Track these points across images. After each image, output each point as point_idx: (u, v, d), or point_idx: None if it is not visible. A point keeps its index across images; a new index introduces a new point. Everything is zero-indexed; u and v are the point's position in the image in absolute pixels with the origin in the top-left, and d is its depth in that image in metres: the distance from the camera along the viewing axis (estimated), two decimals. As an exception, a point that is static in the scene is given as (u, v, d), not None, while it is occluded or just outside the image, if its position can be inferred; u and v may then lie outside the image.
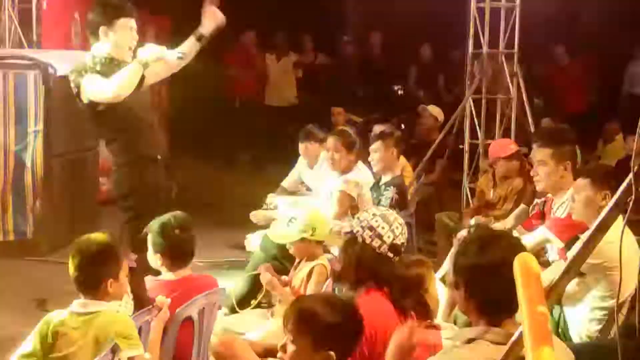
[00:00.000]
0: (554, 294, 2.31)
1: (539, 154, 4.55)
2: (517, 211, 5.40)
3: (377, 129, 7.42)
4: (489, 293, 2.42)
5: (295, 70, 11.41)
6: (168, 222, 3.83)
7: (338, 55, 11.54)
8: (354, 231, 3.26)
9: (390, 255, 3.19)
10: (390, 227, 3.21)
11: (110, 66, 4.55)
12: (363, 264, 3.21)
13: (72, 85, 4.57)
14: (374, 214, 3.26)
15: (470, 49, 7.59)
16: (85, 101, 4.53)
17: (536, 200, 4.95)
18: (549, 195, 4.61)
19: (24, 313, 4.86)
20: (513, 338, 2.26)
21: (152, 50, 4.57)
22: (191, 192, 9.23)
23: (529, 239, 4.17)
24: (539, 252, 4.30)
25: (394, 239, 3.19)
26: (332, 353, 2.65)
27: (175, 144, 9.84)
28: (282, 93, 11.31)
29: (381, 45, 11.50)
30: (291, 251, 4.54)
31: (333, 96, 10.44)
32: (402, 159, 6.82)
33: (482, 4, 7.38)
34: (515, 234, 4.11)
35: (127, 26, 4.60)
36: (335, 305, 2.77)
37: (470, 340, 2.44)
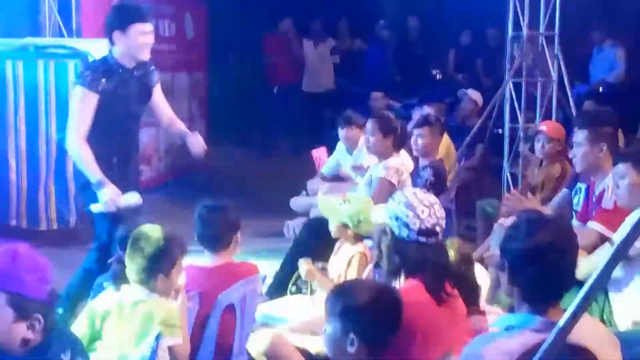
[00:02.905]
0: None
1: (576, 135, 4.54)
2: (558, 197, 5.34)
3: (427, 110, 7.40)
4: (534, 278, 2.38)
5: (332, 56, 11.40)
6: (200, 205, 3.87)
7: (375, 40, 11.48)
8: (385, 222, 3.21)
9: (423, 239, 3.12)
10: (415, 213, 3.10)
11: (115, 75, 4.58)
12: (394, 253, 3.17)
13: (77, 74, 4.71)
14: (398, 202, 3.17)
15: (510, 31, 7.50)
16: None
17: (578, 185, 4.90)
18: (592, 179, 4.57)
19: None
20: (557, 327, 2.20)
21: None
22: (230, 179, 9.29)
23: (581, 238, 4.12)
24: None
25: (420, 224, 3.10)
26: (354, 337, 2.63)
27: (214, 131, 9.90)
28: (319, 79, 11.31)
29: (418, 30, 11.41)
30: (330, 227, 4.53)
31: (371, 81, 10.40)
32: (446, 138, 6.80)
33: (521, -15, 7.27)
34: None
35: (141, 31, 4.57)
36: (370, 289, 2.76)
37: (510, 328, 2.41)
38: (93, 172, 4.52)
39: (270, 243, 6.58)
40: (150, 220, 3.65)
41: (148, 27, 4.59)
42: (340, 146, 6.71)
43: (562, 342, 2.19)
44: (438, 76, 11.07)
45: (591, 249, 4.05)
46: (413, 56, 11.19)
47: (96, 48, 6.94)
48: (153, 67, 4.84)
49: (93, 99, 4.52)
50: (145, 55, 4.64)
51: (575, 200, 4.89)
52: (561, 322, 2.18)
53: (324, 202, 4.85)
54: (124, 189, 4.64)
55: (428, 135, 5.99)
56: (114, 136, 4.67)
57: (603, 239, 4.17)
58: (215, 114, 10.35)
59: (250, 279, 3.81)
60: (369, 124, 5.71)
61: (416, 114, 7.48)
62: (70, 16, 7.92)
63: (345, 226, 4.44)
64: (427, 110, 7.41)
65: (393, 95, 9.89)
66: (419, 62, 11.13)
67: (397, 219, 3.12)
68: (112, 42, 4.61)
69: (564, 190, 5.19)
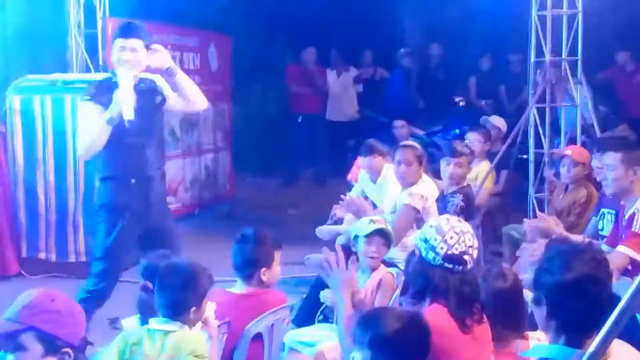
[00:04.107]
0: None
1: (608, 158, 4.52)
2: (590, 225, 5.31)
3: (472, 137, 7.40)
4: (573, 311, 2.35)
5: (355, 85, 11.46)
6: (239, 233, 3.91)
7: (397, 68, 11.53)
8: (414, 244, 3.24)
9: (449, 265, 3.13)
10: (443, 238, 3.12)
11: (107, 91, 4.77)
12: (419, 275, 3.18)
13: (86, 92, 4.87)
14: (430, 226, 3.21)
15: (533, 57, 7.51)
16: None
17: (602, 210, 4.89)
18: (622, 202, 4.55)
19: (95, 331, 4.93)
20: (588, 353, 2.18)
21: (116, 100, 4.72)
22: (254, 208, 9.34)
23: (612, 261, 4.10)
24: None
25: (447, 250, 3.11)
26: None
27: (238, 161, 9.97)
28: (343, 108, 11.36)
29: (440, 57, 11.45)
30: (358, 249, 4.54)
31: (394, 110, 10.43)
32: (487, 164, 6.79)
33: (543, 11, 7.30)
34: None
35: (120, 46, 4.81)
36: (399, 317, 2.76)
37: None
38: (184, 77, 4.88)
39: (295, 272, 6.59)
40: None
41: (129, 42, 4.78)
42: (364, 174, 6.73)
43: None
44: (461, 103, 11.08)
45: (620, 274, 4.03)
46: (435, 83, 11.21)
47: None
48: (158, 83, 4.97)
49: (97, 110, 4.75)
50: (127, 70, 4.77)
51: (600, 226, 4.88)
52: (592, 347, 2.17)
53: (354, 227, 4.80)
54: (146, 209, 4.91)
55: (465, 164, 6.01)
56: (126, 152, 4.86)
57: (633, 264, 4.15)
58: (239, 144, 10.42)
59: (278, 309, 3.82)
60: (404, 154, 5.63)
61: (471, 137, 7.47)
62: (96, 52, 8.05)
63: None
64: (472, 136, 7.42)
65: (416, 122, 9.91)
66: (441, 89, 11.15)
67: (425, 241, 3.15)
68: None
69: (593, 220, 5.17)
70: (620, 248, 4.31)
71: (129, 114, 4.67)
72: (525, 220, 5.06)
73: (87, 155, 5.01)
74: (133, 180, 4.92)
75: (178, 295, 3.27)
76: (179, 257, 3.46)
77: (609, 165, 4.54)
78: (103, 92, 4.76)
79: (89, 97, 4.79)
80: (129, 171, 4.93)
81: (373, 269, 4.48)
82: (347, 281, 3.50)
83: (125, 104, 4.67)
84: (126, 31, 4.83)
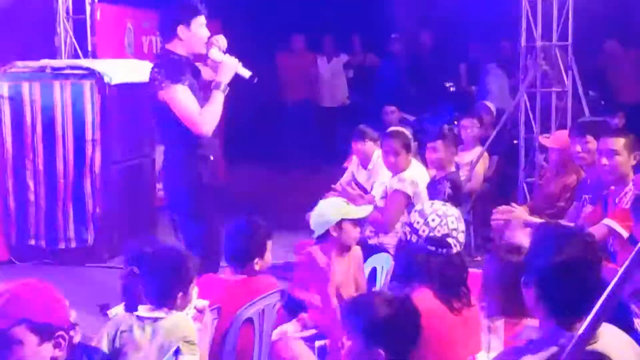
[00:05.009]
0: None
1: (612, 143, 4.51)
2: (572, 209, 5.32)
3: (467, 122, 7.44)
4: (563, 294, 2.36)
5: (346, 70, 11.44)
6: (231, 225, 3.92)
7: (387, 54, 11.51)
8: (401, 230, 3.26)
9: (432, 248, 3.13)
10: (425, 220, 3.15)
11: (184, 71, 4.62)
12: (405, 260, 3.20)
13: (155, 78, 4.61)
14: (415, 210, 3.24)
15: (523, 42, 7.51)
16: (161, 99, 4.59)
17: (584, 196, 4.90)
18: (612, 187, 4.56)
19: (87, 319, 4.93)
20: (576, 335, 2.19)
21: (229, 70, 4.71)
22: (245, 195, 9.32)
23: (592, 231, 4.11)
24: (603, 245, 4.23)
25: (429, 232, 3.13)
26: (381, 352, 2.63)
27: (228, 148, 9.93)
28: (333, 94, 11.36)
29: (431, 43, 11.43)
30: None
31: (384, 95, 10.42)
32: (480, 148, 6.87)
33: (534, -5, 7.29)
34: None
35: (201, 24, 4.70)
36: (389, 302, 2.76)
37: (537, 341, 2.39)
38: (217, 98, 4.68)
39: (287, 259, 6.59)
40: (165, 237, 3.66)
41: (204, 19, 4.72)
42: (355, 160, 6.72)
43: (582, 350, 2.18)
44: (451, 89, 11.08)
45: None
46: (426, 69, 11.20)
47: (111, 68, 7.03)
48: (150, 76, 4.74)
49: (187, 89, 4.60)
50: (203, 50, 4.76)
51: (583, 212, 4.88)
52: (581, 330, 2.17)
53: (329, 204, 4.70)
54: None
55: (441, 148, 5.98)
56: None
57: (615, 238, 4.19)
58: (230, 132, 10.38)
59: (269, 294, 3.82)
60: (390, 143, 5.64)
61: (465, 123, 7.52)
62: (85, 38, 8.01)
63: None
64: (467, 122, 7.45)
65: (406, 108, 9.90)
66: (432, 75, 11.14)
67: (409, 225, 3.17)
68: (171, 38, 4.73)
69: (575, 204, 5.18)
70: (605, 221, 4.32)
71: (247, 72, 4.75)
72: (495, 211, 5.01)
73: (212, 130, 4.74)
74: (212, 158, 4.83)
75: (165, 282, 3.27)
76: (165, 243, 3.44)
77: (612, 151, 4.52)
78: (183, 72, 4.60)
79: (181, 81, 4.55)
80: (211, 148, 4.84)
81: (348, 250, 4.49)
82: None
83: (238, 67, 4.72)
84: (203, 7, 4.74)
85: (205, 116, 4.64)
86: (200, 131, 4.63)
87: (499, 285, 3.06)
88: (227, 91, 4.72)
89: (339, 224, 4.40)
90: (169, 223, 5.25)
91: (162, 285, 3.28)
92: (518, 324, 3.16)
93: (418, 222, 3.16)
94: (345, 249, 4.44)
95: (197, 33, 4.69)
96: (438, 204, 3.27)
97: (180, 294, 3.29)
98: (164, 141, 4.94)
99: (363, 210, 4.68)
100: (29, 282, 2.63)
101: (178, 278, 3.30)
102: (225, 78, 4.71)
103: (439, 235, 3.12)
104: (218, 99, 4.70)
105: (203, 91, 4.74)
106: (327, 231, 4.40)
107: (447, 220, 3.16)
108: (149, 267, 3.32)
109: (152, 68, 4.72)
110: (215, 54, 4.77)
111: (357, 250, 4.53)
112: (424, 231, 3.13)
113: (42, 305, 2.54)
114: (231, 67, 4.73)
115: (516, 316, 3.03)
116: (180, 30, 4.64)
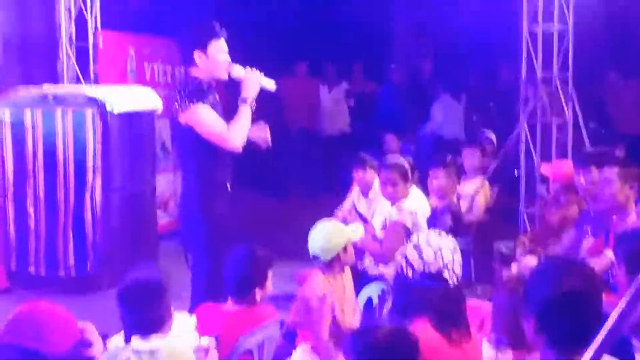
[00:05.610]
0: None
1: (606, 172, 4.53)
2: (567, 238, 5.31)
3: (469, 152, 7.44)
4: (563, 326, 2.36)
5: (347, 99, 11.48)
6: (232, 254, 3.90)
7: (388, 82, 11.55)
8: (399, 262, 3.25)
9: (427, 282, 3.12)
10: (420, 255, 3.15)
11: (206, 92, 4.61)
12: (402, 293, 3.19)
13: (176, 102, 4.57)
14: (410, 242, 3.24)
15: (524, 73, 7.54)
16: (182, 122, 4.55)
17: (585, 226, 4.90)
18: (614, 217, 4.56)
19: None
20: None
21: (253, 84, 4.68)
22: (245, 222, 9.29)
23: (594, 263, 4.10)
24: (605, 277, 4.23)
25: (424, 267, 3.14)
26: None
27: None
28: (335, 122, 11.38)
29: (431, 72, 11.48)
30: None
31: (385, 124, 10.44)
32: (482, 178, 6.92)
33: (534, 27, 7.33)
34: None
35: (220, 48, 4.64)
36: (389, 333, 2.75)
37: None
38: (244, 112, 4.65)
39: (286, 288, 6.56)
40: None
41: (224, 43, 4.68)
42: (355, 188, 6.72)
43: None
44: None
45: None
46: (426, 98, 11.23)
47: (113, 96, 7.05)
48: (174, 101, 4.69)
49: (210, 108, 4.60)
50: (224, 74, 4.72)
51: (584, 243, 4.88)
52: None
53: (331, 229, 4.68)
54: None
55: (443, 177, 6.01)
56: (226, 154, 4.77)
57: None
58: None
59: (268, 324, 3.81)
60: (388, 173, 5.65)
61: (467, 153, 7.52)
62: (87, 64, 8.04)
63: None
64: (469, 151, 7.45)
65: (406, 137, 9.92)
66: (432, 104, 11.16)
67: (405, 258, 3.16)
68: (190, 63, 4.70)
69: (570, 233, 5.17)
70: (607, 252, 4.32)
71: (271, 82, 4.75)
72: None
73: (241, 144, 4.71)
74: (228, 185, 4.80)
75: (150, 311, 3.25)
76: (144, 272, 3.43)
77: (606, 180, 4.54)
78: (204, 95, 4.58)
79: (202, 101, 4.53)
80: (227, 176, 4.81)
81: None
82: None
83: (262, 79, 4.70)
84: (221, 31, 4.67)
85: (233, 131, 4.60)
86: (230, 146, 4.61)
87: (507, 316, 3.06)
88: (254, 106, 4.69)
89: (344, 247, 4.43)
90: (170, 250, 5.24)
91: (151, 314, 3.26)
92: (526, 356, 3.16)
93: (413, 256, 3.15)
94: (342, 270, 4.50)
95: (215, 58, 4.63)
96: (433, 235, 3.26)
97: (169, 321, 3.28)
98: (181, 168, 4.92)
99: (359, 230, 4.76)
100: (32, 306, 2.59)
101: (160, 306, 3.27)
102: (250, 92, 4.67)
103: (434, 269, 3.12)
104: (245, 114, 4.65)
105: (227, 113, 4.70)
106: (335, 255, 4.42)
107: (441, 253, 3.16)
108: (128, 297, 3.30)
109: (174, 92, 4.70)
110: (237, 71, 4.72)
111: (347, 269, 4.59)
112: (419, 266, 3.13)
113: (35, 330, 2.51)
114: (255, 80, 4.69)
115: (524, 348, 3.02)
116: (198, 55, 4.60)
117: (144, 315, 3.26)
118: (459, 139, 9.69)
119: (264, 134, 4.99)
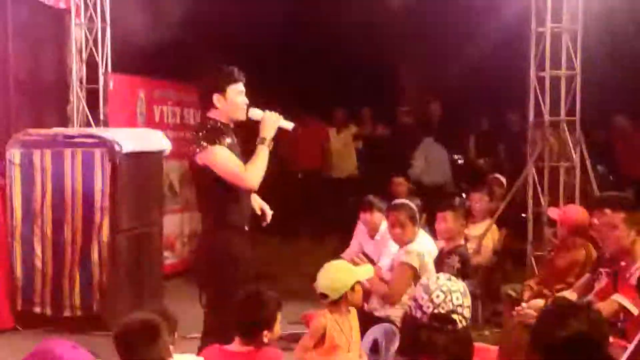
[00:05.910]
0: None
1: (610, 217, 4.51)
2: (582, 281, 5.28)
3: (477, 196, 7.46)
4: None
5: (355, 141, 11.52)
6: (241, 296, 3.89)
7: (396, 125, 11.60)
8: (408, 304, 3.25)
9: (436, 324, 3.11)
10: (430, 297, 3.15)
11: (223, 134, 4.64)
12: (410, 335, 3.18)
13: (195, 143, 4.62)
14: (420, 284, 3.24)
15: (532, 117, 7.57)
16: (200, 162, 4.59)
17: (600, 269, 4.86)
18: (623, 263, 4.54)
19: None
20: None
21: (271, 125, 4.70)
22: (252, 263, 9.27)
23: (602, 307, 4.07)
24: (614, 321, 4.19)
25: (434, 309, 3.13)
26: None
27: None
28: (342, 164, 11.41)
29: (440, 115, 11.51)
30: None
31: (393, 166, 10.46)
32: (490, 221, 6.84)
33: (542, 73, 7.37)
34: None
35: (238, 91, 4.70)
36: None
37: None
38: (262, 152, 4.65)
39: (293, 329, 6.53)
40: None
41: (242, 87, 4.73)
42: (362, 230, 6.72)
43: None
44: (459, 161, 11.11)
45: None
46: (435, 141, 11.24)
47: (122, 137, 7.10)
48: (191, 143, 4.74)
49: (226, 150, 4.62)
50: (242, 116, 4.77)
51: (596, 286, 4.84)
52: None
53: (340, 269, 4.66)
54: None
55: (451, 219, 6.00)
56: (244, 196, 4.79)
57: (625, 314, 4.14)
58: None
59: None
60: (395, 215, 5.67)
61: (475, 197, 7.57)
62: (97, 107, 8.11)
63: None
64: (477, 196, 7.47)
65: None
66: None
67: (414, 300, 3.16)
68: (208, 106, 4.75)
69: (586, 276, 5.14)
70: (615, 296, 4.29)
71: (290, 124, 4.78)
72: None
73: (257, 184, 4.73)
74: (246, 228, 4.81)
75: (146, 352, 3.23)
76: (136, 314, 3.41)
77: (610, 224, 4.53)
78: (222, 136, 4.61)
79: (217, 142, 4.55)
80: (245, 217, 4.81)
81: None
82: None
83: (280, 120, 4.74)
84: (240, 74, 4.74)
85: (250, 171, 4.63)
86: (246, 185, 4.65)
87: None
88: (272, 146, 4.72)
89: (353, 287, 4.42)
90: (175, 291, 5.23)
91: (148, 355, 3.24)
92: None
93: (423, 298, 3.15)
94: (349, 310, 4.49)
95: (234, 101, 4.69)
96: (443, 278, 3.26)
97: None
98: (199, 209, 4.94)
99: (368, 270, 4.76)
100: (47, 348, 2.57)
101: (156, 347, 3.25)
102: (268, 133, 4.70)
103: (443, 311, 3.11)
104: (263, 154, 4.68)
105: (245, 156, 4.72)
106: (342, 295, 4.41)
107: (452, 296, 3.15)
108: (124, 341, 3.28)
109: (192, 134, 4.77)
110: (255, 113, 4.77)
111: (354, 311, 4.56)
112: (428, 307, 3.12)
113: None
114: (273, 121, 4.73)
115: None
116: (216, 98, 4.66)
117: (141, 357, 3.23)
118: (446, 182, 9.77)
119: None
